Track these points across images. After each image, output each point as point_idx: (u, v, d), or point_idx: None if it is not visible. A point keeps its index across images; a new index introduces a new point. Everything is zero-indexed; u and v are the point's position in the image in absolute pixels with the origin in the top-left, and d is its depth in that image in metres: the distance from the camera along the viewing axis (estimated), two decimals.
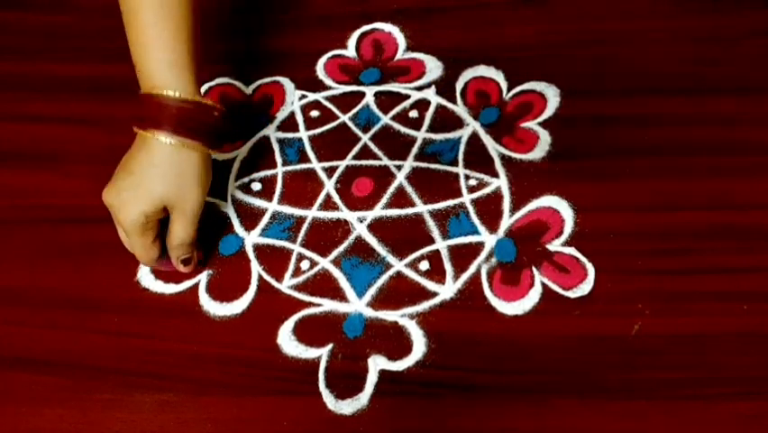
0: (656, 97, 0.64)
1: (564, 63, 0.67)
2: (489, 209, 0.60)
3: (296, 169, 0.64)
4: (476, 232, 0.59)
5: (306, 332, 0.56)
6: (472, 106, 0.66)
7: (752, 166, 0.60)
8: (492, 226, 0.59)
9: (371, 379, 0.54)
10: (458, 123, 0.65)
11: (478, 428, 0.52)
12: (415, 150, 0.64)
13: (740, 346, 0.52)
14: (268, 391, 0.54)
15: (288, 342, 0.56)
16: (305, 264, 0.59)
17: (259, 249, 0.61)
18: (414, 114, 0.66)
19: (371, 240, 0.60)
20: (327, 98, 0.68)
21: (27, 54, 0.74)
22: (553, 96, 0.65)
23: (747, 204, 0.58)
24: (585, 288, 0.55)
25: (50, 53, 0.74)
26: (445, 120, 0.65)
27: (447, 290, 0.57)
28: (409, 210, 0.61)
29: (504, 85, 0.66)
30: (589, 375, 0.53)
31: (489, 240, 0.59)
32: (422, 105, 0.66)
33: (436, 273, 0.58)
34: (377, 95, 0.68)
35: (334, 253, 0.60)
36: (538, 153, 0.62)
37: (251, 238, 0.61)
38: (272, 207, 0.63)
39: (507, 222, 0.59)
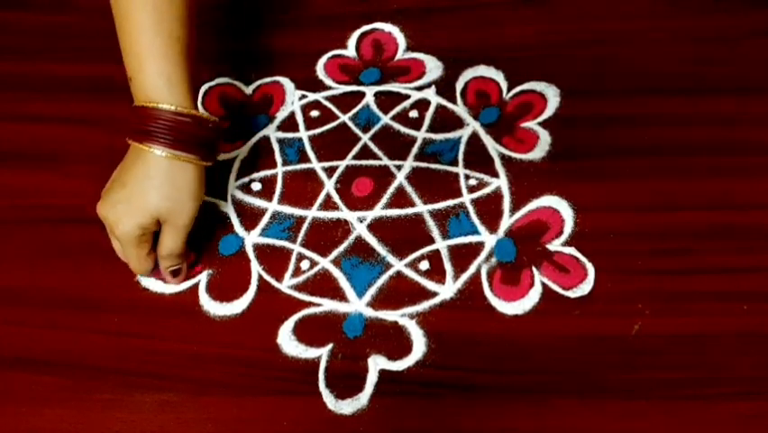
0: (656, 97, 0.64)
1: (564, 63, 0.67)
2: (489, 209, 0.60)
3: (296, 169, 0.64)
4: (476, 232, 0.59)
5: (306, 332, 0.56)
6: (472, 106, 0.66)
7: (752, 166, 0.60)
8: (492, 226, 0.59)
9: (371, 379, 0.54)
10: (458, 123, 0.65)
11: (478, 428, 0.52)
12: (415, 150, 0.64)
13: (740, 346, 0.52)
14: (268, 391, 0.54)
15: (287, 342, 0.56)
16: (305, 264, 0.59)
17: (259, 249, 0.61)
18: (414, 114, 0.66)
19: (371, 240, 0.60)
20: (327, 98, 0.68)
21: (27, 54, 0.74)
22: (553, 96, 0.65)
23: (747, 204, 0.58)
24: (585, 288, 0.55)
25: (50, 53, 0.74)
26: (445, 120, 0.65)
27: (447, 289, 0.57)
28: (409, 210, 0.61)
29: (504, 85, 0.66)
30: (589, 375, 0.53)
31: (489, 240, 0.59)
32: (422, 105, 0.66)
33: (436, 273, 0.58)
34: (377, 95, 0.68)
35: (334, 252, 0.60)
36: (538, 153, 0.62)
37: (251, 238, 0.61)
38: (272, 206, 0.63)
39: (507, 222, 0.59)
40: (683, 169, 0.60)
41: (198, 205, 0.56)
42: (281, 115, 0.68)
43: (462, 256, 0.58)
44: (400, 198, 0.62)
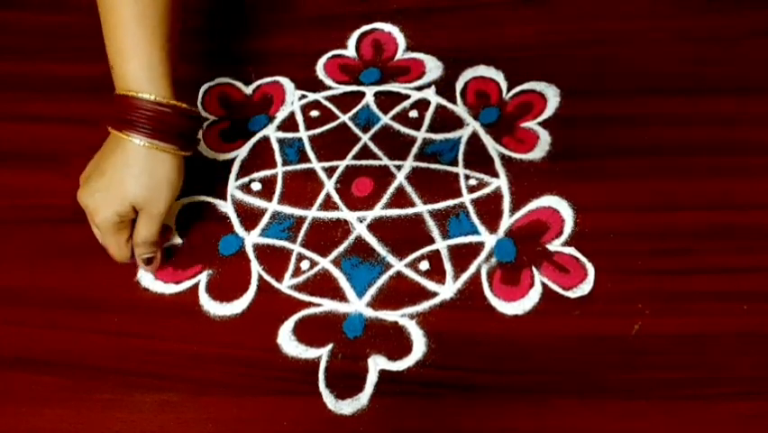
0: (656, 97, 0.64)
1: (564, 63, 0.67)
2: (489, 209, 0.60)
3: (296, 169, 0.64)
4: (476, 232, 0.59)
5: (306, 332, 0.56)
6: (472, 106, 0.66)
7: (752, 166, 0.60)
8: (492, 226, 0.59)
9: (371, 379, 0.54)
10: (458, 123, 0.65)
11: (478, 428, 0.52)
12: (415, 150, 0.64)
13: (740, 346, 0.52)
14: (268, 391, 0.54)
15: (288, 342, 0.56)
16: (305, 264, 0.59)
17: (259, 249, 0.61)
18: (414, 114, 0.66)
19: (371, 240, 0.60)
20: (327, 98, 0.68)
21: (27, 54, 0.75)
22: (553, 96, 0.65)
23: (747, 204, 0.58)
24: (585, 288, 0.55)
25: (50, 53, 0.74)
26: (445, 120, 0.65)
27: (447, 290, 0.57)
28: (409, 210, 0.61)
29: (504, 85, 0.66)
30: (589, 375, 0.53)
31: (488, 240, 0.59)
32: (422, 105, 0.66)
33: (436, 273, 0.58)
34: (377, 95, 0.68)
35: (334, 253, 0.60)
36: (538, 153, 0.62)
37: (251, 238, 0.61)
38: (272, 207, 0.63)
39: (507, 222, 0.59)
40: (683, 169, 0.60)
41: (175, 194, 0.57)
42: (281, 115, 0.68)
43: (462, 256, 0.58)
44: (400, 198, 0.62)
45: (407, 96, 0.67)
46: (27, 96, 0.72)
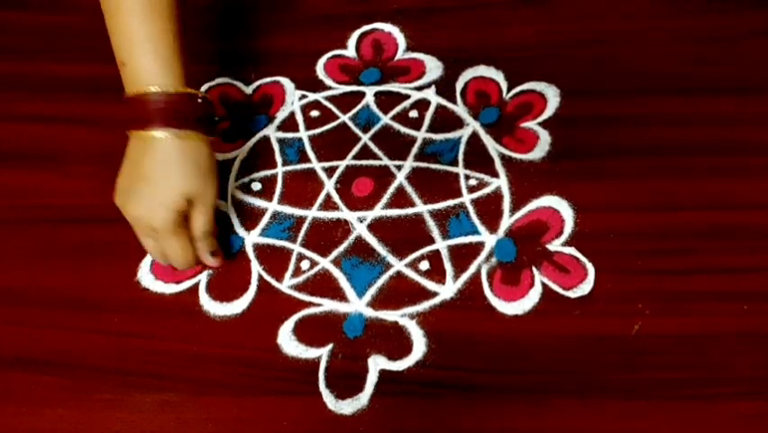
0: (656, 97, 0.64)
1: (564, 63, 0.67)
2: (489, 209, 0.60)
3: (296, 169, 0.64)
4: (476, 232, 0.59)
5: (306, 332, 0.56)
6: (472, 106, 0.66)
7: (752, 166, 0.60)
8: (492, 226, 0.59)
9: (371, 379, 0.54)
10: (458, 123, 0.65)
11: (478, 428, 0.52)
12: (415, 150, 0.64)
13: (740, 346, 0.52)
14: (268, 391, 0.54)
15: (288, 342, 0.56)
16: (305, 264, 0.59)
17: (259, 249, 0.61)
18: (414, 114, 0.66)
19: (371, 240, 0.60)
20: (327, 98, 0.68)
21: (27, 54, 0.75)
22: (553, 96, 0.65)
23: (747, 204, 0.58)
24: (585, 288, 0.55)
25: (50, 53, 0.74)
26: (445, 120, 0.65)
27: (447, 290, 0.57)
28: (409, 210, 0.61)
29: (504, 85, 0.66)
30: (589, 375, 0.53)
31: (489, 240, 0.59)
32: (422, 105, 0.66)
33: (436, 273, 0.58)
34: (377, 95, 0.68)
35: (334, 253, 0.60)
36: (538, 153, 0.62)
37: (251, 238, 0.61)
38: (272, 206, 0.63)
39: (507, 222, 0.59)
40: (683, 169, 0.60)
41: (218, 178, 0.57)
42: (281, 115, 0.68)
43: (462, 256, 0.58)
44: (400, 198, 0.62)
45: (407, 96, 0.67)
46: (27, 96, 0.72)
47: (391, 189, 0.62)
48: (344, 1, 0.74)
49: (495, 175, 0.62)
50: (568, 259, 0.57)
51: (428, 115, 0.66)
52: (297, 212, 0.62)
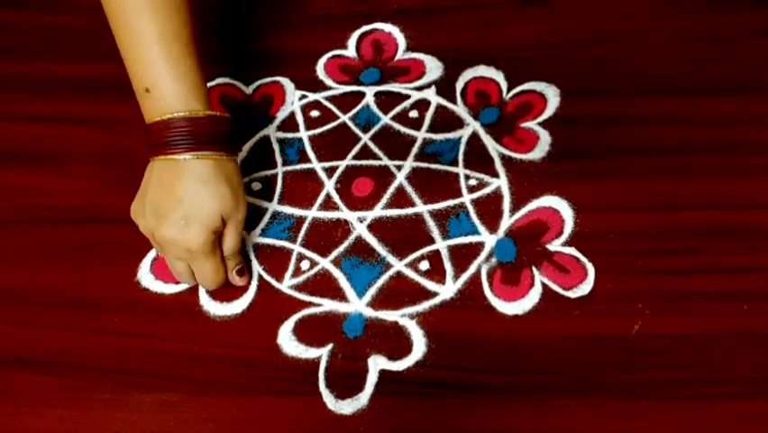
0: (656, 97, 0.64)
1: (564, 63, 0.67)
2: (490, 209, 0.60)
3: (296, 169, 0.64)
4: (476, 232, 0.59)
5: (306, 332, 0.56)
6: (472, 106, 0.66)
7: (752, 166, 0.60)
8: (492, 226, 0.59)
9: (371, 379, 0.54)
10: (458, 123, 0.65)
11: (478, 428, 0.52)
12: (415, 150, 0.64)
13: (740, 346, 0.52)
14: (268, 391, 0.54)
15: (288, 342, 0.56)
16: (305, 264, 0.59)
17: (259, 249, 0.61)
18: (414, 114, 0.66)
19: (371, 240, 0.60)
20: (327, 98, 0.68)
21: (27, 54, 0.75)
22: (553, 96, 0.65)
23: (747, 204, 0.58)
24: (585, 288, 0.55)
25: (50, 53, 0.74)
26: (445, 120, 0.65)
27: (447, 290, 0.57)
28: (409, 210, 0.61)
29: (504, 85, 0.66)
30: (589, 375, 0.53)
31: (489, 240, 0.59)
32: (422, 105, 0.66)
33: (436, 273, 0.58)
34: (377, 95, 0.68)
35: (334, 253, 0.60)
36: (538, 153, 0.62)
37: (251, 238, 0.61)
38: (272, 206, 0.63)
39: (507, 222, 0.59)
40: (683, 169, 0.60)
41: (245, 197, 0.58)
42: (281, 115, 0.68)
43: (462, 256, 0.58)
44: (400, 198, 0.62)
45: (408, 97, 0.67)
46: (27, 96, 0.72)
47: (391, 189, 0.62)
48: (344, 1, 0.74)
49: (495, 175, 0.62)
50: (568, 259, 0.57)
51: (428, 115, 0.66)
52: (297, 212, 0.62)
